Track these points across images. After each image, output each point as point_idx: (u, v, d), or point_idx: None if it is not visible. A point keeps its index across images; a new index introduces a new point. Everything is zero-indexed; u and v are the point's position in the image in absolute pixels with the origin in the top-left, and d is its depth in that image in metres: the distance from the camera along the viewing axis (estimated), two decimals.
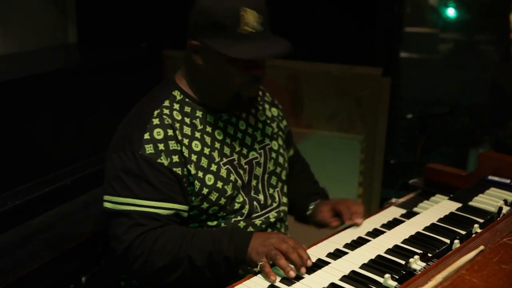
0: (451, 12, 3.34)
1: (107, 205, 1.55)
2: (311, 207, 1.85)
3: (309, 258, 1.41)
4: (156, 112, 1.58)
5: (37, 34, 3.00)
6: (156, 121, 1.56)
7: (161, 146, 1.54)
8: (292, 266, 1.37)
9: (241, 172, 1.68)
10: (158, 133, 1.55)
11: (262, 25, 1.53)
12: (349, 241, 1.59)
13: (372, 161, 3.15)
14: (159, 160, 1.53)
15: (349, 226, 1.73)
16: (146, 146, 1.53)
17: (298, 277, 1.38)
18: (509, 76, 3.35)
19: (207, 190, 1.59)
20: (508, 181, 1.91)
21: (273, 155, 1.78)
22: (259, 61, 1.58)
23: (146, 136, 1.53)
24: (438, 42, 3.43)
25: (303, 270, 1.37)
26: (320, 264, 1.45)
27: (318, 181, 2.05)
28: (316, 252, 1.53)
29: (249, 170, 1.71)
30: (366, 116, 3.11)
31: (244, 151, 1.71)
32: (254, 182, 1.72)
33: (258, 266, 1.39)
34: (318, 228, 1.86)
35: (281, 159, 1.81)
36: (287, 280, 1.37)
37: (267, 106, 1.85)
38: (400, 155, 3.41)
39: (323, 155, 3.07)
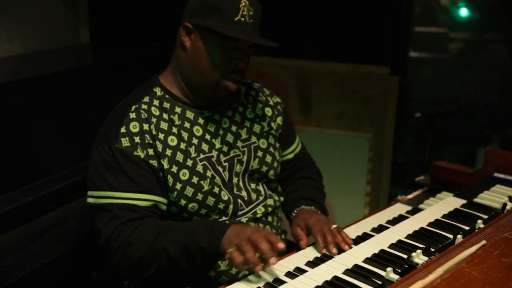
0: (461, 11, 3.34)
1: (89, 200, 1.57)
2: (294, 212, 1.77)
3: (280, 241, 1.37)
4: (133, 107, 1.60)
5: (50, 34, 3.05)
6: (132, 115, 1.58)
7: (137, 139, 1.55)
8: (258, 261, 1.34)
9: (220, 169, 1.67)
10: (134, 126, 1.57)
11: (252, 17, 1.59)
12: (353, 237, 1.62)
13: (380, 159, 3.16)
14: (135, 153, 1.54)
15: (354, 223, 1.75)
16: (122, 139, 1.54)
17: (302, 271, 1.41)
18: None
19: (180, 185, 1.59)
20: None
21: (259, 153, 1.76)
22: (244, 54, 1.61)
23: (123, 129, 1.56)
24: (448, 42, 3.43)
25: (273, 260, 1.34)
26: (324, 258, 1.48)
27: (325, 193, 1.94)
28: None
29: (229, 168, 1.69)
30: (374, 114, 3.13)
31: (225, 148, 1.70)
32: (235, 180, 1.71)
33: (227, 255, 1.38)
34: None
35: (268, 158, 1.78)
36: (290, 274, 1.39)
37: (259, 104, 1.83)
38: (408, 154, 3.42)
39: (332, 153, 3.09)
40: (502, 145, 3.24)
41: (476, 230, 1.52)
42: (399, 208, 1.89)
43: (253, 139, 1.77)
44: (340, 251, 1.52)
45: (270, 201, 1.78)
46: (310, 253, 1.52)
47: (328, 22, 3.17)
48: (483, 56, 3.37)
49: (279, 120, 1.86)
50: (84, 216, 2.07)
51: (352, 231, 1.66)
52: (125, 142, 1.54)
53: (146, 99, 1.64)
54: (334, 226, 1.59)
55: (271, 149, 1.80)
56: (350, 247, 1.53)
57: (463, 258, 1.28)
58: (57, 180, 2.15)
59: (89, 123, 2.44)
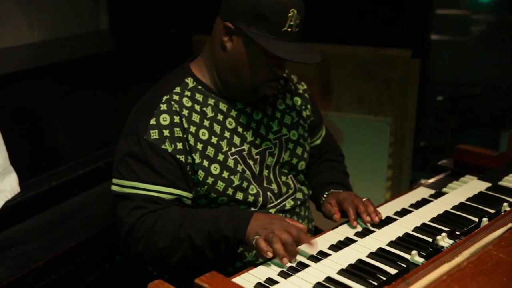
0: None
1: (113, 188, 1.56)
2: (324, 196, 1.76)
3: (307, 235, 1.40)
4: (165, 98, 1.57)
5: (70, 21, 3.07)
6: (163, 106, 1.55)
7: (166, 132, 1.53)
8: (286, 254, 1.35)
9: (251, 162, 1.65)
10: (164, 119, 1.54)
11: (298, 26, 1.54)
12: (377, 221, 1.61)
13: (401, 143, 3.14)
14: (163, 146, 1.52)
15: (377, 207, 1.73)
16: (151, 131, 1.52)
17: (326, 254, 1.40)
18: None
19: (212, 179, 1.58)
20: None
21: (290, 145, 1.74)
22: (283, 62, 1.58)
23: (152, 121, 1.53)
24: (470, 24, 3.38)
25: (285, 260, 1.35)
26: (347, 242, 1.47)
27: (348, 173, 1.96)
28: (344, 231, 1.56)
29: (261, 161, 1.68)
30: (395, 98, 3.10)
31: (257, 141, 1.68)
32: (265, 172, 1.69)
33: (253, 240, 1.40)
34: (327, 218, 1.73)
35: (299, 150, 1.77)
36: (314, 258, 1.39)
37: (288, 95, 1.80)
38: (430, 138, 3.38)
39: (353, 138, 3.07)
40: None
41: (502, 213, 1.50)
42: (422, 192, 1.87)
43: (284, 131, 1.75)
44: (364, 234, 1.51)
45: (299, 195, 1.77)
46: (333, 236, 1.52)
47: (348, 5, 3.13)
48: (505, 38, 3.32)
49: (308, 109, 1.85)
50: (108, 201, 2.10)
51: None
52: (154, 134, 1.52)
53: (178, 89, 1.60)
54: (364, 198, 1.62)
55: (301, 140, 1.79)
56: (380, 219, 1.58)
57: (489, 241, 1.27)
58: (80, 166, 2.17)
59: (110, 108, 2.47)
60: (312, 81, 3.16)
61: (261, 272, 1.34)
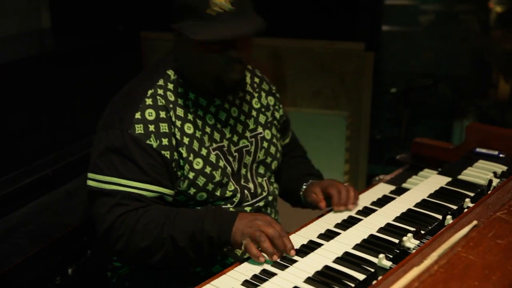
0: None
1: (90, 183, 1.51)
2: (303, 187, 1.79)
3: (293, 248, 1.37)
4: (149, 92, 1.53)
5: (9, 19, 2.92)
6: (149, 101, 1.52)
7: (151, 127, 1.50)
8: (275, 251, 1.35)
9: (231, 159, 1.64)
10: (150, 114, 1.51)
11: (233, 4, 1.46)
12: (339, 221, 1.58)
13: (357, 137, 3.14)
14: (148, 142, 1.49)
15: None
16: (136, 125, 1.49)
17: (292, 261, 1.35)
18: (489, 45, 3.35)
19: (193, 174, 1.56)
20: (496, 152, 1.90)
21: (265, 144, 1.74)
22: (236, 42, 1.51)
23: (137, 115, 1.50)
24: (418, 14, 3.40)
25: (275, 257, 1.34)
26: (312, 246, 1.43)
27: (315, 167, 1.98)
28: (307, 233, 1.51)
29: (239, 158, 1.67)
30: (350, 92, 3.09)
31: (235, 138, 1.66)
32: (243, 171, 1.69)
33: (242, 245, 1.38)
34: (311, 209, 1.78)
35: (272, 149, 1.76)
36: (280, 264, 1.34)
37: (263, 94, 1.79)
38: (386, 130, 3.40)
39: (308, 133, 3.05)
40: (478, 117, 3.25)
41: (466, 210, 1.49)
42: (382, 188, 1.85)
43: (259, 129, 1.74)
44: (329, 236, 1.47)
45: (271, 197, 1.77)
46: (297, 240, 1.46)
47: None
48: (454, 27, 3.36)
49: (281, 108, 1.84)
50: (56, 211, 2.00)
51: (338, 214, 1.62)
52: (138, 129, 1.49)
53: (161, 82, 1.57)
54: (346, 184, 1.69)
55: (275, 140, 1.78)
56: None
57: (456, 241, 1.24)
58: (26, 174, 2.06)
59: (55, 112, 2.36)
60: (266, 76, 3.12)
61: (224, 283, 1.29)
